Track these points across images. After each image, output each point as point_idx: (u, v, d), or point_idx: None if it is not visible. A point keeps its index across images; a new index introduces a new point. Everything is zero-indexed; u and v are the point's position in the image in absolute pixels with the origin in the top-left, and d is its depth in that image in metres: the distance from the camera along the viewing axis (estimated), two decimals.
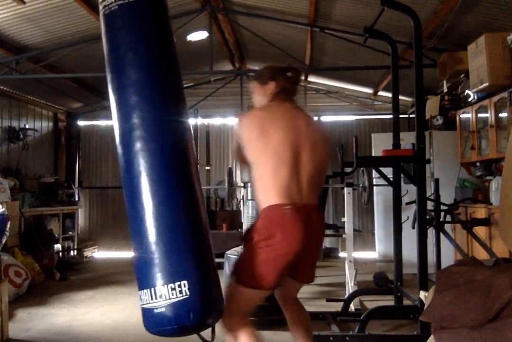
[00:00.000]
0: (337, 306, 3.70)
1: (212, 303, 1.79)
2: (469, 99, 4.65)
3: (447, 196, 4.37)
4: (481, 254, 3.68)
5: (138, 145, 1.84)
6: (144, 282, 1.78)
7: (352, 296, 3.72)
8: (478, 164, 4.76)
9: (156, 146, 1.84)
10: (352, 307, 3.71)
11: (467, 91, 4.68)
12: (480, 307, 1.52)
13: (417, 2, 3.97)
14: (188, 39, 5.74)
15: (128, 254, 6.71)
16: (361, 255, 6.59)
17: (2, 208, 4.28)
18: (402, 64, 4.62)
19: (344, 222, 4.60)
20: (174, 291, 1.73)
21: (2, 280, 3.27)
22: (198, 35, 5.71)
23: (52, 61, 5.40)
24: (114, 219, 7.59)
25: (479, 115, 4.55)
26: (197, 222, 1.86)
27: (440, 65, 4.79)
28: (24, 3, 4.13)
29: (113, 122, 1.95)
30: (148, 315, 1.78)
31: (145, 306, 1.78)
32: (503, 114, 4.16)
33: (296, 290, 2.25)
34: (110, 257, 7.22)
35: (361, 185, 4.77)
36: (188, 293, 1.72)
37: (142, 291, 1.79)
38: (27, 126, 6.50)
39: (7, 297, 3.20)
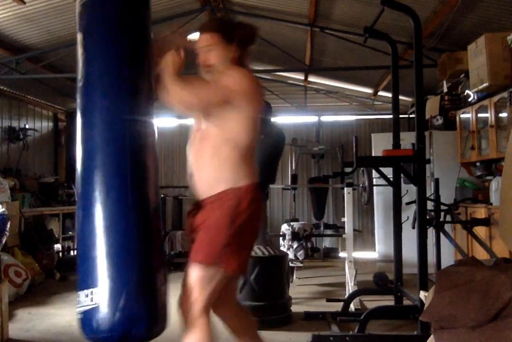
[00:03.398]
0: (337, 306, 3.70)
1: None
2: (469, 99, 4.64)
3: (447, 196, 4.37)
4: (481, 254, 3.68)
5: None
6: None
7: (352, 296, 3.72)
8: (478, 164, 4.76)
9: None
10: (352, 307, 3.70)
11: (467, 91, 4.68)
12: (480, 307, 1.52)
13: (417, 2, 3.97)
14: (188, 39, 5.73)
15: None
16: (361, 255, 6.58)
17: (2, 208, 4.28)
18: (402, 64, 4.61)
19: (344, 222, 4.60)
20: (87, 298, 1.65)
21: (2, 280, 3.27)
22: (198, 35, 5.71)
23: (52, 61, 5.40)
24: None
25: (479, 115, 4.55)
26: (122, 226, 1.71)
27: (440, 65, 4.79)
28: (24, 3, 4.13)
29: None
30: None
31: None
32: (503, 114, 4.16)
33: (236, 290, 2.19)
34: None
35: (361, 185, 4.78)
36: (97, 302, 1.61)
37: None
38: (27, 126, 6.50)
39: (7, 297, 3.20)
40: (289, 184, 7.05)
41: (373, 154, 5.76)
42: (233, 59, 1.87)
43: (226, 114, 1.80)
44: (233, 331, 2.02)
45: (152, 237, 1.76)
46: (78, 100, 1.88)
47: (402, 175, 3.44)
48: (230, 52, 1.86)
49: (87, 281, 1.68)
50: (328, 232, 6.58)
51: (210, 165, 1.82)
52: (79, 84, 1.94)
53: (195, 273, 1.75)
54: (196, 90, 1.81)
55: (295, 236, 4.91)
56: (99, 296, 1.62)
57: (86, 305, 1.65)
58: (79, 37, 1.97)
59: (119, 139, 1.79)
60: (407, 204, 3.75)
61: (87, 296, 1.64)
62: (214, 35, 1.89)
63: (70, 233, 6.89)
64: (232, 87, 1.77)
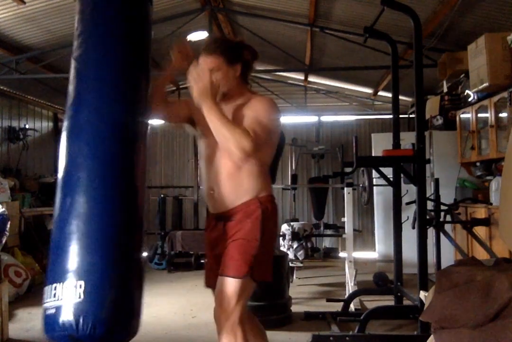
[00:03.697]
0: (337, 306, 3.70)
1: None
2: (469, 99, 4.64)
3: (447, 196, 4.37)
4: (481, 254, 3.68)
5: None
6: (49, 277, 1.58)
7: (352, 296, 3.72)
8: (478, 164, 4.76)
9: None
10: (352, 307, 3.71)
11: (467, 91, 4.68)
12: (480, 307, 1.52)
13: (417, 2, 3.98)
14: (188, 39, 5.74)
15: None
16: (361, 255, 6.59)
17: (2, 208, 4.28)
18: (402, 64, 4.61)
19: (344, 222, 4.60)
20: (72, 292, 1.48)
21: (2, 280, 3.27)
22: (198, 35, 5.71)
23: (52, 61, 5.40)
24: None
25: (479, 115, 4.55)
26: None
27: (440, 65, 4.79)
28: (24, 3, 4.13)
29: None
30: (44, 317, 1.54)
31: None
32: (503, 114, 4.16)
33: None
34: None
35: (361, 185, 4.78)
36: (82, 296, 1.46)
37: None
38: (27, 126, 6.49)
39: (7, 297, 3.20)
40: (289, 184, 7.06)
41: (373, 154, 5.76)
42: (237, 78, 1.92)
43: None
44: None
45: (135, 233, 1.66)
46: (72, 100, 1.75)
47: (402, 175, 3.44)
48: (234, 72, 1.90)
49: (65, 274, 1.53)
50: (328, 232, 6.58)
51: (234, 178, 1.85)
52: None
53: (231, 286, 1.76)
54: (245, 133, 1.75)
55: (295, 236, 4.92)
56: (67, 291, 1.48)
57: (55, 300, 1.49)
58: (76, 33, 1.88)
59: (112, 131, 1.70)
60: (407, 204, 3.75)
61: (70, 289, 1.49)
62: (219, 57, 1.86)
63: None
64: (268, 119, 1.83)
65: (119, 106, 1.72)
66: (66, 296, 1.47)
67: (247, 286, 1.79)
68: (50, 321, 1.49)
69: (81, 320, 1.44)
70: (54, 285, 1.51)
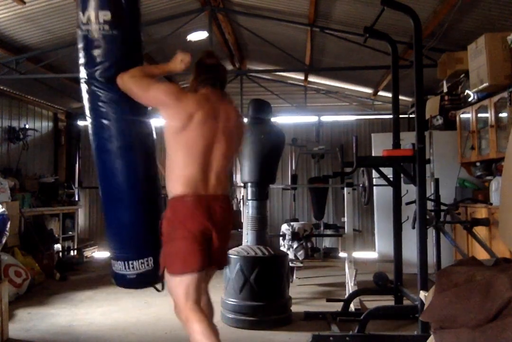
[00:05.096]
0: (337, 306, 3.70)
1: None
2: (469, 99, 4.64)
3: (447, 196, 4.37)
4: (481, 254, 3.68)
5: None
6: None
7: (352, 296, 3.72)
8: (478, 164, 4.76)
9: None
10: (352, 307, 3.71)
11: (467, 91, 4.67)
12: (480, 307, 1.52)
13: (417, 2, 3.98)
14: (188, 39, 5.74)
15: None
16: (361, 255, 6.59)
17: (2, 208, 4.28)
18: (402, 64, 4.61)
19: (344, 222, 4.60)
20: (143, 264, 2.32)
21: (2, 280, 3.27)
22: (198, 35, 5.71)
23: (52, 61, 5.40)
24: None
25: (479, 115, 4.55)
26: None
27: (440, 65, 4.79)
28: (24, 3, 4.13)
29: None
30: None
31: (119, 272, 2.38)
32: (503, 114, 4.16)
33: (209, 276, 2.31)
34: None
35: (361, 185, 4.77)
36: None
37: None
38: (27, 126, 6.50)
39: (7, 297, 3.20)
40: (289, 184, 7.05)
41: (373, 154, 5.76)
42: (196, 85, 2.21)
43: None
44: None
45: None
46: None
47: (402, 175, 3.44)
48: (193, 81, 2.22)
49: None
50: (328, 232, 6.58)
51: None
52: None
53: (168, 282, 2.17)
54: (139, 81, 2.14)
55: (295, 236, 4.91)
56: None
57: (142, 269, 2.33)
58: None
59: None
60: (407, 204, 3.75)
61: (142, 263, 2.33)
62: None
63: (70, 233, 6.90)
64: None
65: None
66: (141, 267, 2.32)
67: (174, 282, 2.08)
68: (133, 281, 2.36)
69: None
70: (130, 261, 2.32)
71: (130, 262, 2.31)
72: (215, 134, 2.11)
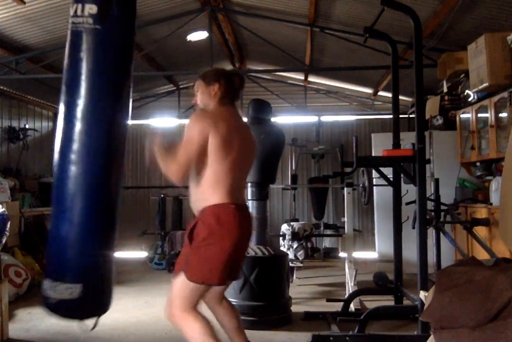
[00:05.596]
0: (337, 306, 3.70)
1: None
2: (469, 99, 4.64)
3: (447, 196, 4.36)
4: (481, 254, 3.68)
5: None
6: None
7: (352, 296, 3.72)
8: (478, 164, 4.76)
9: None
10: (352, 307, 3.71)
11: (467, 91, 4.68)
12: (480, 307, 1.52)
13: (417, 2, 3.98)
14: (188, 39, 5.74)
15: (128, 253, 6.71)
16: (361, 255, 6.59)
17: (2, 208, 4.28)
18: (402, 64, 4.62)
19: (344, 222, 4.60)
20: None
21: (2, 280, 3.27)
22: (198, 35, 5.71)
23: (52, 61, 5.40)
24: None
25: (479, 115, 4.55)
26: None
27: (440, 65, 4.79)
28: (24, 3, 4.13)
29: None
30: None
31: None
32: (503, 114, 4.16)
33: (227, 285, 2.31)
34: None
35: (361, 185, 4.77)
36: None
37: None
38: (27, 126, 6.50)
39: (7, 297, 3.20)
40: (289, 184, 7.05)
41: (373, 154, 5.76)
42: (215, 96, 2.23)
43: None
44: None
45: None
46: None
47: (402, 175, 3.44)
48: (212, 90, 2.22)
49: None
50: (328, 232, 6.57)
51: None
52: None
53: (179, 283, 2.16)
54: (173, 161, 2.12)
55: (295, 236, 4.91)
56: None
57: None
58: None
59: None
60: (407, 204, 3.75)
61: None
62: (199, 81, 2.28)
63: None
64: (188, 136, 2.12)
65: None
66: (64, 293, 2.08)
67: (188, 287, 2.05)
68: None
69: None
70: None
71: (54, 283, 2.05)
72: (242, 147, 2.17)
